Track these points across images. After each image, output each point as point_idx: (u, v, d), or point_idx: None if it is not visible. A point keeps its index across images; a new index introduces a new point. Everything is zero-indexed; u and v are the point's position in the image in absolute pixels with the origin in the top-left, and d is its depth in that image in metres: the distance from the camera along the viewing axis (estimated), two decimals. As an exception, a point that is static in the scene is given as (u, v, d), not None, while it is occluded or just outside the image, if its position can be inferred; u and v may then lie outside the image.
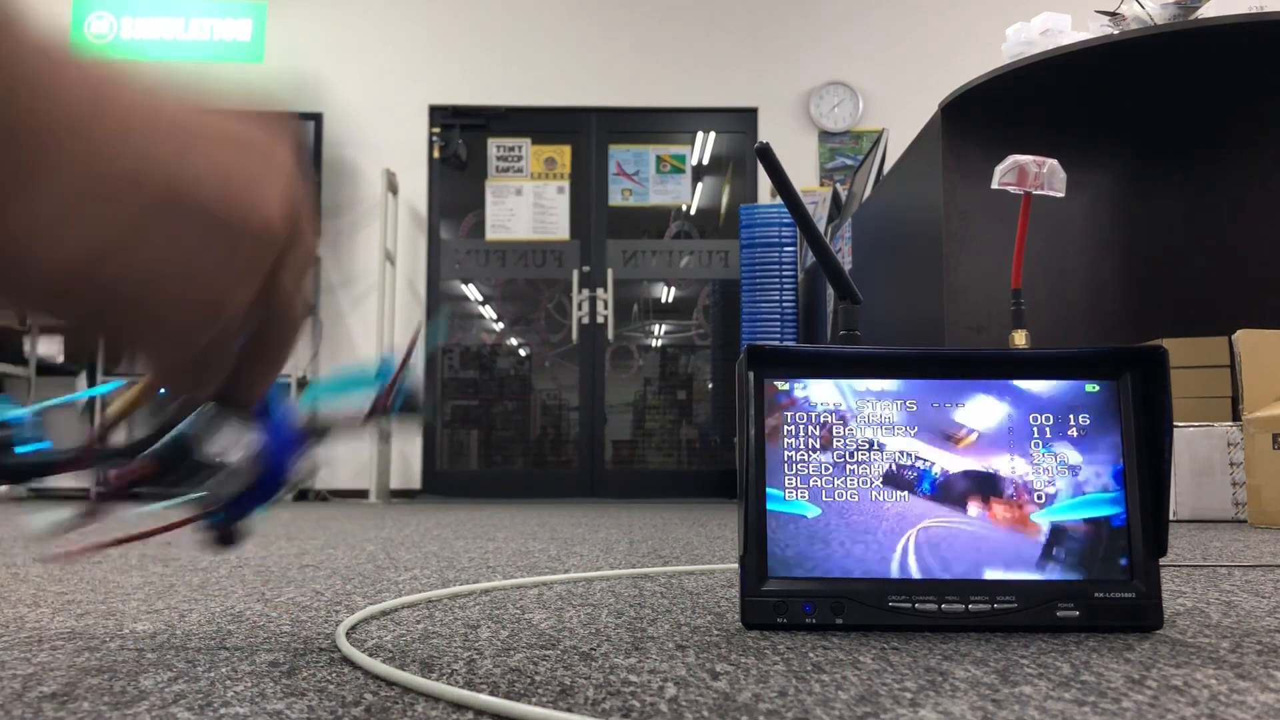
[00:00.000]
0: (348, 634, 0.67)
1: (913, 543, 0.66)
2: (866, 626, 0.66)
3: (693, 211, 5.08)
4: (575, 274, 4.97)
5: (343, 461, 4.81)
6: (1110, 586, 0.65)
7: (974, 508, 0.67)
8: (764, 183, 5.05)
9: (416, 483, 4.84)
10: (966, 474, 0.67)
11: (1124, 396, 0.68)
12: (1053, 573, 0.66)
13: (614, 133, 5.10)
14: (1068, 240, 2.74)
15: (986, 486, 0.67)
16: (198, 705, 0.46)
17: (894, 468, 0.68)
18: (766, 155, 0.78)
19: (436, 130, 5.05)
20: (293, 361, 4.51)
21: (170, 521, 0.57)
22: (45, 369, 4.70)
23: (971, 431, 0.68)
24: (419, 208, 5.00)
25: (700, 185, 5.10)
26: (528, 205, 5.03)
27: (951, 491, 0.67)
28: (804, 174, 5.01)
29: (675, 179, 5.09)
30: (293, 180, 0.35)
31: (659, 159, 5.09)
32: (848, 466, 0.68)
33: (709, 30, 5.11)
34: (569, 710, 0.45)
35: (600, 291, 4.96)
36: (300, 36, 5.06)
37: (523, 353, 5.00)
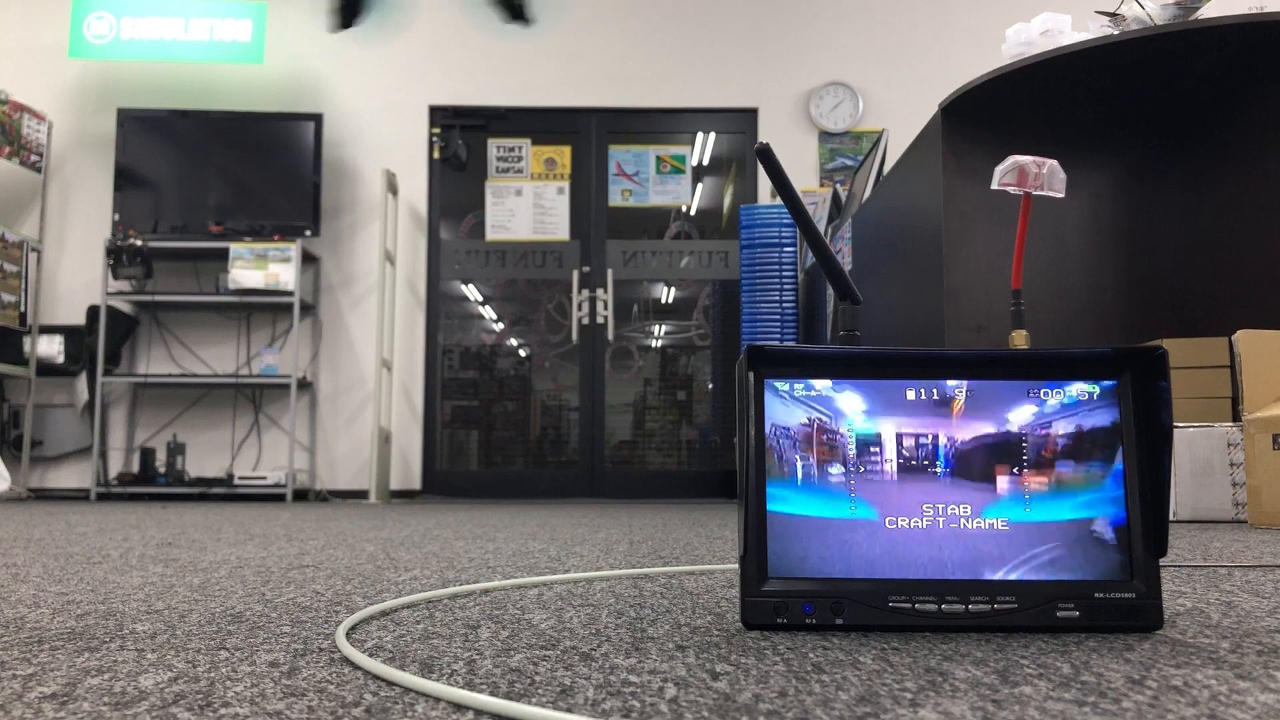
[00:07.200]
0: (348, 634, 0.67)
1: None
2: (866, 626, 0.66)
3: (693, 212, 5.08)
4: (575, 274, 4.97)
5: (343, 462, 4.81)
6: (1110, 586, 0.65)
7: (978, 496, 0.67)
8: (764, 183, 5.04)
9: (416, 483, 4.84)
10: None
11: (1124, 396, 0.68)
12: (1053, 573, 0.66)
13: (614, 133, 5.10)
14: (1068, 240, 2.74)
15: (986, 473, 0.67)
16: (198, 705, 0.46)
17: (903, 456, 0.67)
18: (766, 156, 0.78)
19: (436, 130, 5.05)
20: (293, 361, 4.52)
21: None
22: (45, 369, 4.70)
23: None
24: (419, 208, 5.00)
25: (700, 185, 5.10)
26: (528, 206, 5.03)
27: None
28: (804, 174, 5.01)
29: (675, 179, 5.09)
30: None
31: (659, 159, 5.09)
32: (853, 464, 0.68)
33: (709, 30, 5.11)
34: (569, 710, 0.45)
35: (600, 292, 4.96)
36: (300, 37, 5.06)
37: (523, 353, 5.00)
